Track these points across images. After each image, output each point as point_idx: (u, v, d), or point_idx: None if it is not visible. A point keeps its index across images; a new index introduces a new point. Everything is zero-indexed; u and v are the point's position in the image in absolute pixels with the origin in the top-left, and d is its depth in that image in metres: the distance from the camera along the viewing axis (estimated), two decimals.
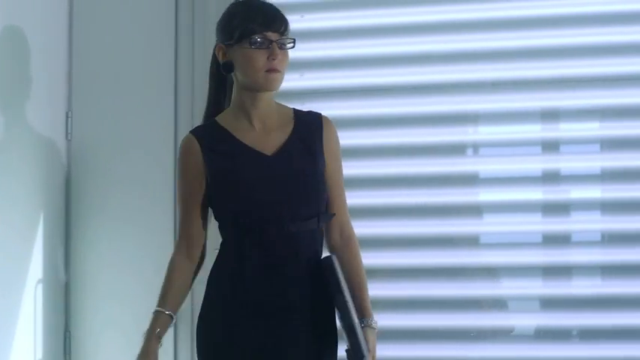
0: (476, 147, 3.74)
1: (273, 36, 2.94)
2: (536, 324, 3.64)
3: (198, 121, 3.08)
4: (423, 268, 3.65)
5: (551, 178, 3.63)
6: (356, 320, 2.83)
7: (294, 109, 3.07)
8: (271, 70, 2.93)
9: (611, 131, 3.57)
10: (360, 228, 3.04)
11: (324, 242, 3.01)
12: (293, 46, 2.97)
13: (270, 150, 2.96)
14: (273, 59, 2.92)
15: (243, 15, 2.96)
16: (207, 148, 2.96)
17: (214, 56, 3.02)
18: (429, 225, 3.66)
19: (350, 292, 2.90)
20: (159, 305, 2.95)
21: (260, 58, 2.92)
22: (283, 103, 3.05)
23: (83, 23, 3.93)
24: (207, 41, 3.44)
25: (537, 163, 3.64)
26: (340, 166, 3.04)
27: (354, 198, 3.20)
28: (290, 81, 3.21)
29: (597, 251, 3.61)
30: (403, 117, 3.73)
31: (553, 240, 3.62)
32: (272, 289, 2.90)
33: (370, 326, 2.90)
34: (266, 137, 2.98)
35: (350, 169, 3.16)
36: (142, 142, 3.85)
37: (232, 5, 3.05)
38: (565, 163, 3.62)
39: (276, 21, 2.95)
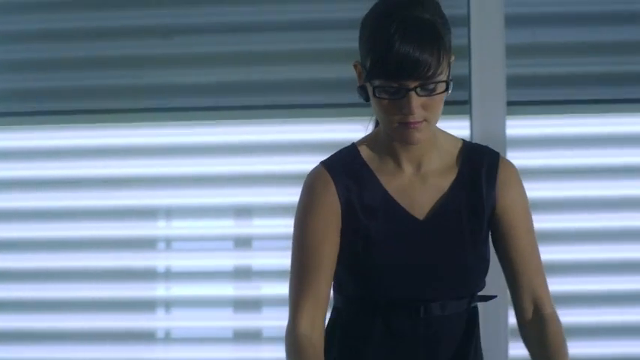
0: (168, 241, 3.66)
1: (410, 84, 2.04)
2: None
3: None
4: None
5: (242, 274, 3.61)
6: None
7: (464, 141, 2.24)
8: (406, 125, 2.07)
9: None
10: None
11: (516, 315, 2.27)
12: (446, 91, 2.07)
13: (422, 209, 2.16)
14: (409, 113, 2.05)
15: (374, 40, 2.05)
16: (343, 189, 2.16)
17: None
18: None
19: None
20: None
21: (389, 109, 2.07)
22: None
23: None
24: None
25: (229, 259, 3.61)
26: (528, 224, 2.23)
27: None
28: None
29: None
30: (97, 210, 3.57)
31: (244, 335, 3.57)
32: None
33: None
34: (419, 186, 2.17)
35: None
36: None
37: (375, 6, 2.13)
38: (257, 259, 3.61)
39: (418, 66, 2.02)
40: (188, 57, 3.55)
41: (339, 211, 2.16)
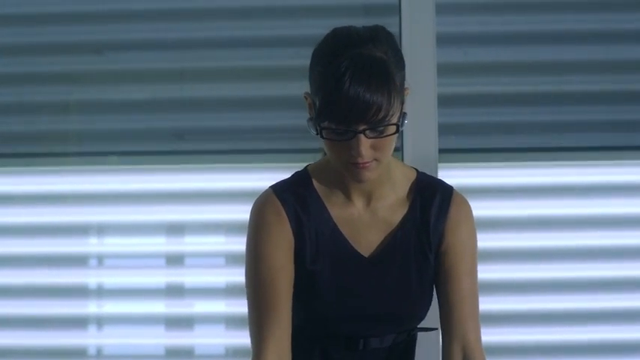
0: (100, 258, 3.62)
1: (359, 126, 1.98)
2: None
3: None
4: None
5: (174, 291, 3.59)
6: None
7: (418, 174, 2.21)
8: (355, 165, 2.02)
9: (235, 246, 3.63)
10: None
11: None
12: (396, 132, 2.00)
13: (369, 245, 2.13)
14: (358, 156, 2.00)
15: (323, 78, 1.99)
16: (294, 218, 2.13)
17: None
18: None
19: None
20: None
21: (338, 149, 2.02)
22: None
23: None
24: None
25: (161, 277, 3.58)
26: (471, 267, 2.17)
27: None
28: None
29: None
30: (28, 226, 3.52)
31: (176, 353, 3.54)
32: None
33: None
34: (368, 221, 2.14)
35: None
36: None
37: (326, 40, 2.08)
38: (189, 277, 3.58)
39: (368, 109, 1.95)
40: (119, 73, 3.54)
41: (292, 240, 2.12)
